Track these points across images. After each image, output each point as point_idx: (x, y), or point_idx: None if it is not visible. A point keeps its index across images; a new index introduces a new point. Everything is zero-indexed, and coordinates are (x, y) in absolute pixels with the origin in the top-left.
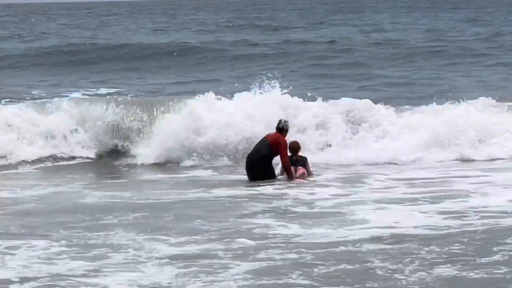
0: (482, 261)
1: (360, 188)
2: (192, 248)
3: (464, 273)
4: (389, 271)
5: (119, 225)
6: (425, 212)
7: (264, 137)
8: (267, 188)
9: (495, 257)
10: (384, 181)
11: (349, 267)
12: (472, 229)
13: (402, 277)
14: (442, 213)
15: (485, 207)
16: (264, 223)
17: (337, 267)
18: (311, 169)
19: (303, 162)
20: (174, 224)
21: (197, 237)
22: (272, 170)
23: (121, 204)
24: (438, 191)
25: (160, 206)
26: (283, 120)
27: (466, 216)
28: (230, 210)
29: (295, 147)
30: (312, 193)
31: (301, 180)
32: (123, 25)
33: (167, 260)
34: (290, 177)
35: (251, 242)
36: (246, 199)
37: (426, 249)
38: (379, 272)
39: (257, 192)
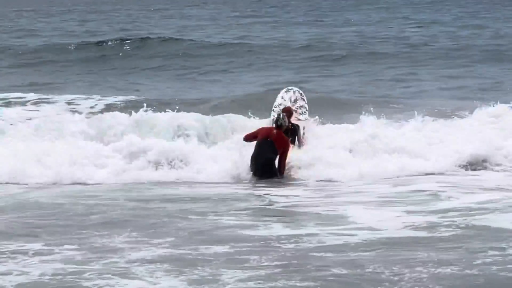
0: (477, 262)
1: (339, 189)
2: (176, 252)
3: (459, 273)
4: (381, 273)
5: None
6: (411, 213)
7: (267, 137)
8: (244, 188)
9: (489, 257)
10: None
11: (340, 270)
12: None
13: (395, 279)
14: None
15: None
16: (245, 224)
17: (328, 271)
18: (302, 137)
19: (294, 131)
20: (147, 225)
21: (177, 240)
22: (275, 169)
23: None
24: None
25: (127, 206)
26: (281, 116)
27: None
28: (207, 211)
29: (288, 113)
30: (292, 195)
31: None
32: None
33: (148, 265)
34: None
35: (233, 245)
36: (225, 200)
37: (419, 251)
38: (370, 275)
39: (235, 192)
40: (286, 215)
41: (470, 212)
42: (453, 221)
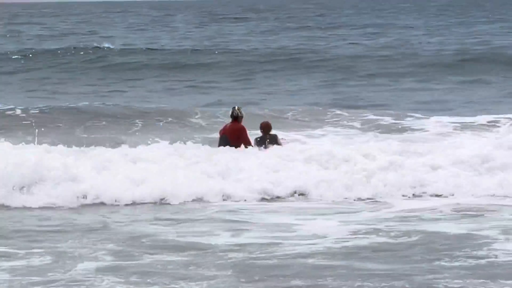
0: (429, 275)
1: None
2: (123, 261)
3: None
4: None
5: None
6: (354, 221)
7: (223, 134)
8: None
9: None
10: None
11: (292, 281)
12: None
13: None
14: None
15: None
16: (195, 232)
17: (279, 281)
18: (281, 141)
19: (274, 139)
20: (91, 232)
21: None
22: None
23: None
24: None
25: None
26: (236, 108)
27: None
28: (151, 218)
29: (267, 127)
30: (236, 202)
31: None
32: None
33: (94, 275)
34: None
35: (183, 254)
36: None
37: (367, 259)
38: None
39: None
40: (233, 224)
41: (409, 219)
42: (397, 228)
